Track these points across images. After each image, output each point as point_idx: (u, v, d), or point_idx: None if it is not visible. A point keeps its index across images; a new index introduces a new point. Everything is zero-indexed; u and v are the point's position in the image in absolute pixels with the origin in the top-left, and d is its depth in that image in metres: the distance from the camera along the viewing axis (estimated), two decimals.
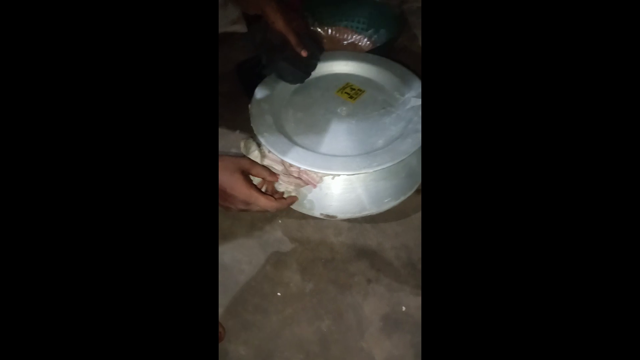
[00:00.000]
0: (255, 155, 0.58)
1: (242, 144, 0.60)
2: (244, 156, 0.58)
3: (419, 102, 0.62)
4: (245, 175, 0.52)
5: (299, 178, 0.56)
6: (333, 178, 0.54)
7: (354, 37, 0.93)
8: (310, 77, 0.68)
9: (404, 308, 0.56)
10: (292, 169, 0.56)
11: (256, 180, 0.54)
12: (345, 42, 0.93)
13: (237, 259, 0.59)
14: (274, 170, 0.56)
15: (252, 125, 0.59)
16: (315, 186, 0.56)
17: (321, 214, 0.59)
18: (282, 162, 0.56)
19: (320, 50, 0.68)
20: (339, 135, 0.59)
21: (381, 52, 0.78)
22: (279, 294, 0.56)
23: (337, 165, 0.53)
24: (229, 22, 1.00)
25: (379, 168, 0.53)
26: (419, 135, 0.57)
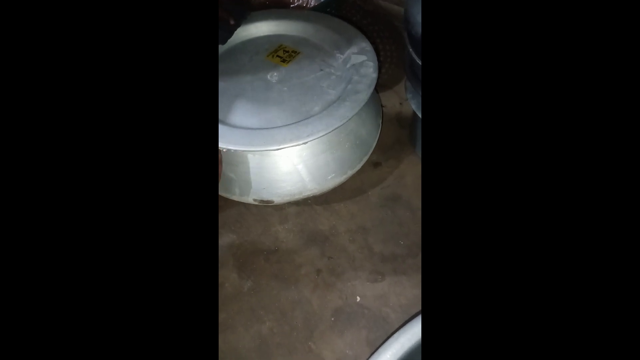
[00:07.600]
0: None
1: None
2: None
3: (360, 58, 0.53)
4: None
5: None
6: (255, 155, 0.46)
7: None
8: (237, 41, 0.58)
9: (358, 299, 0.48)
10: None
11: None
12: (292, 6, 0.83)
13: None
14: None
15: None
16: None
17: (254, 200, 0.50)
18: None
19: (243, 8, 0.58)
20: (268, 105, 0.50)
21: (326, 9, 0.69)
22: None
23: (258, 140, 0.45)
24: None
25: (311, 139, 0.45)
26: (360, 96, 0.49)
